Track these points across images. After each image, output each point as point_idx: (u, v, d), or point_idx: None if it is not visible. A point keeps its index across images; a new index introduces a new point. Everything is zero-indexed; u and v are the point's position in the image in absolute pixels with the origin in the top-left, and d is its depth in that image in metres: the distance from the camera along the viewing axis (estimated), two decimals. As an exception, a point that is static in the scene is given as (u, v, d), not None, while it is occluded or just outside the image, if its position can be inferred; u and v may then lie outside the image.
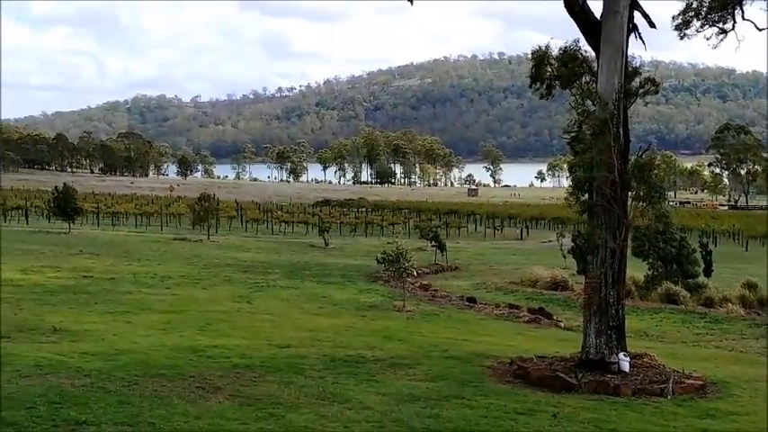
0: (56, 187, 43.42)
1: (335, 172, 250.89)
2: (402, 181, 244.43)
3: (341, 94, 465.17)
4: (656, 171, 12.61)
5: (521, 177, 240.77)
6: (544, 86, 13.42)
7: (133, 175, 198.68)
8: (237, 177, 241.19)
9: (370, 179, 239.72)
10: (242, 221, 59.74)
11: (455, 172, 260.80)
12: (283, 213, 63.08)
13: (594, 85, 12.64)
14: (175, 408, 9.33)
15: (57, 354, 11.96)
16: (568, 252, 27.63)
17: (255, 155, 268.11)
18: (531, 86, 13.62)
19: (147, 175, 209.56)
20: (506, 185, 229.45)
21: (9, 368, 10.77)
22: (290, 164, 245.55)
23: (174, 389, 10.23)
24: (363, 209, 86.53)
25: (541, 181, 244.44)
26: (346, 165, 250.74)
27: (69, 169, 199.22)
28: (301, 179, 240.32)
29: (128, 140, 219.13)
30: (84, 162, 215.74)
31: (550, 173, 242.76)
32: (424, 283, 26.86)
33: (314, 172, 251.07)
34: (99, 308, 17.72)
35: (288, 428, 8.82)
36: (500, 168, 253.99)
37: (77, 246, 33.89)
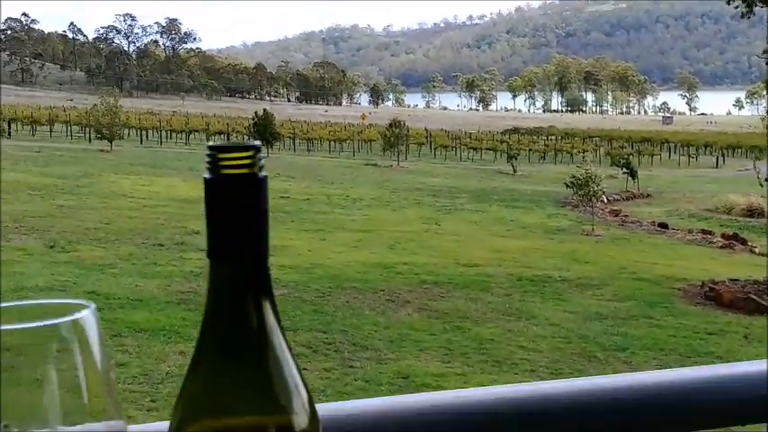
0: (256, 113, 45.03)
1: (525, 100, 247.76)
2: (593, 109, 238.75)
3: (532, 21, 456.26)
4: None
5: (717, 105, 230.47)
6: (744, 3, 12.81)
7: (327, 104, 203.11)
8: (427, 106, 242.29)
9: (560, 107, 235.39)
10: (431, 148, 60.18)
11: (649, 100, 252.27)
12: (472, 140, 63.03)
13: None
14: (366, 318, 9.70)
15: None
16: (766, 180, 26.37)
17: (445, 84, 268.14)
18: (728, 3, 13.01)
19: (340, 104, 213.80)
20: (702, 113, 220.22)
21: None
22: (479, 92, 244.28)
23: (364, 300, 10.62)
24: (553, 137, 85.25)
25: (739, 109, 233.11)
26: (536, 93, 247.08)
27: (268, 98, 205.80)
28: (490, 108, 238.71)
29: (322, 70, 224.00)
30: (282, 91, 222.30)
31: (749, 101, 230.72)
32: (615, 209, 26.38)
33: (503, 101, 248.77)
34: (295, 226, 18.44)
35: (474, 340, 9.03)
36: (696, 96, 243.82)
37: (276, 169, 35.21)
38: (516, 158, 44.54)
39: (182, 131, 56.47)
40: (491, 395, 0.95)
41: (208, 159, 0.59)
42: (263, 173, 0.60)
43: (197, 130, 56.40)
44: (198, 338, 0.61)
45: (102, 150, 36.33)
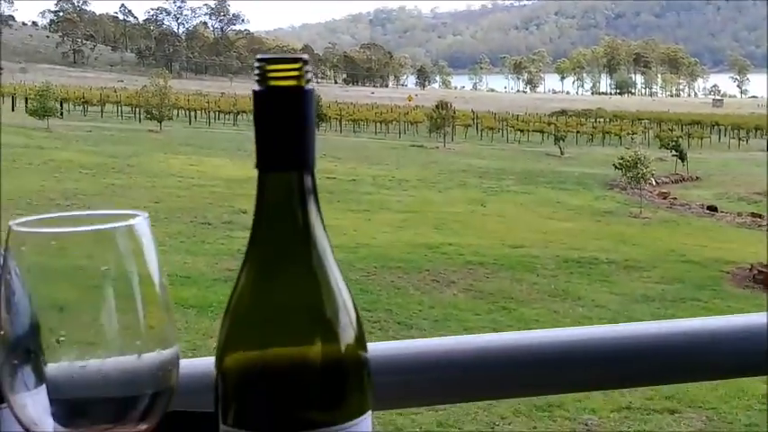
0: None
1: (573, 82, 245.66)
2: (642, 91, 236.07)
3: (581, 3, 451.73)
4: None
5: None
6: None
7: (374, 86, 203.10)
8: (474, 88, 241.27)
9: (608, 89, 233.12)
10: (477, 130, 59.96)
11: (699, 82, 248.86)
12: (519, 122, 62.66)
13: None
14: (411, 297, 9.74)
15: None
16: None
17: (492, 65, 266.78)
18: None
19: (386, 86, 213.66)
20: (753, 96, 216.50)
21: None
22: (526, 74, 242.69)
23: (409, 280, 10.66)
24: (601, 119, 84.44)
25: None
26: (585, 75, 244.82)
27: (315, 79, 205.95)
28: (538, 90, 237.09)
29: (369, 51, 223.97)
30: (329, 73, 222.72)
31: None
32: (663, 191, 26.12)
33: (551, 82, 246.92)
34: (340, 206, 18.50)
35: (519, 321, 9.03)
36: (747, 79, 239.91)
37: (322, 150, 35.23)
38: (563, 140, 44.25)
39: (229, 112, 56.84)
40: (513, 340, 0.96)
41: (257, 72, 0.61)
42: (310, 86, 0.62)
43: (245, 112, 56.71)
44: (247, 248, 0.63)
45: (151, 131, 36.70)
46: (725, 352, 0.99)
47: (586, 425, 7.38)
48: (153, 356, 0.63)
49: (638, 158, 20.47)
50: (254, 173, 0.63)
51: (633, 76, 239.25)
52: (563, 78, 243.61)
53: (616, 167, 21.69)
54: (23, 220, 0.61)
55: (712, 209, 22.42)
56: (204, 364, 1.12)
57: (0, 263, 0.62)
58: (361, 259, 11.81)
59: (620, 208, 21.67)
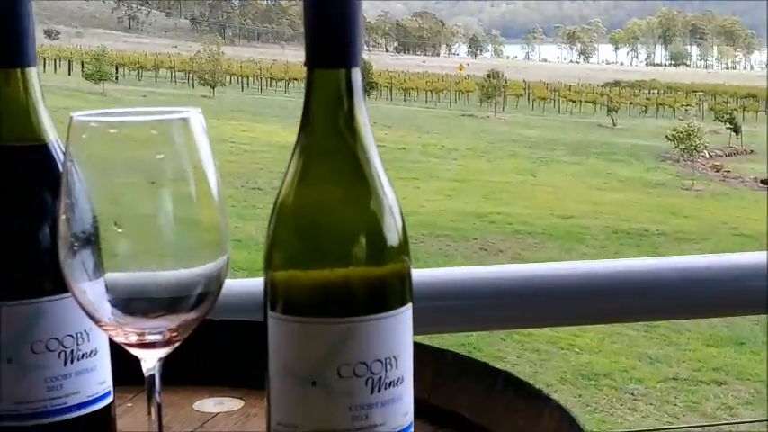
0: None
1: (627, 53, 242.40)
2: (698, 63, 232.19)
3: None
4: None
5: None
6: None
7: (425, 55, 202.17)
8: (526, 58, 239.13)
9: (663, 61, 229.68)
10: (529, 100, 59.48)
11: (755, 55, 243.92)
12: (571, 93, 62.08)
13: None
14: (459, 265, 9.75)
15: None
16: None
17: (545, 35, 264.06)
18: None
19: (438, 55, 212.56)
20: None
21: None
22: (580, 45, 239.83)
23: (457, 248, 10.69)
24: (655, 90, 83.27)
25: None
26: (639, 46, 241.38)
27: (366, 47, 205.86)
28: (591, 60, 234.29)
29: (421, 20, 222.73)
30: (380, 41, 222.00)
31: None
32: (716, 164, 25.77)
33: (605, 53, 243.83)
34: (390, 174, 18.37)
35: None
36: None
37: (372, 118, 34.38)
38: (616, 112, 43.79)
39: (281, 80, 57.00)
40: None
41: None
42: None
43: (296, 79, 56.85)
44: (294, 146, 0.68)
45: (204, 96, 36.97)
46: (724, 289, 1.01)
47: (632, 394, 7.37)
48: (205, 249, 0.67)
49: (692, 130, 20.24)
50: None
51: (688, 47, 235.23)
52: (617, 49, 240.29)
53: (669, 139, 21.45)
54: (84, 112, 0.65)
55: (766, 182, 22.09)
56: (251, 283, 1.18)
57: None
58: (410, 227, 11.42)
59: (672, 180, 21.43)
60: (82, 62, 43.22)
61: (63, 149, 0.73)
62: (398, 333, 0.67)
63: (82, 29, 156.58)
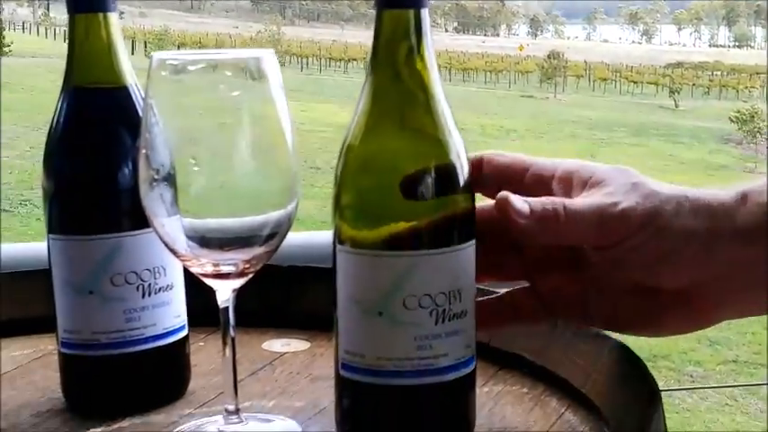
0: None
1: (690, 34, 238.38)
2: (762, 45, 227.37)
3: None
4: None
5: None
6: None
7: (485, 35, 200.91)
8: (588, 38, 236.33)
9: (727, 42, 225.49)
10: (589, 81, 58.83)
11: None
12: (633, 74, 61.30)
13: None
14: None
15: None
16: None
17: (607, 15, 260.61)
18: None
19: (498, 35, 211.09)
20: None
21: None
22: (642, 25, 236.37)
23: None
24: (718, 72, 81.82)
25: None
26: (702, 26, 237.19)
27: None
28: (653, 41, 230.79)
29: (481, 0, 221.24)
30: (440, 21, 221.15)
31: None
32: (782, 147, 25.31)
33: (667, 33, 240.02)
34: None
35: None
36: None
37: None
38: (678, 93, 43.19)
39: (340, 60, 57.11)
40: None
41: None
42: None
43: (355, 59, 56.94)
44: (362, 86, 0.70)
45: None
46: None
47: (691, 376, 7.32)
48: (277, 190, 0.71)
49: (755, 112, 19.92)
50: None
51: (753, 29, 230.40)
52: (680, 30, 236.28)
53: (732, 121, 21.10)
54: (164, 52, 0.68)
55: (832, 165, 21.67)
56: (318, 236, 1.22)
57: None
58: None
59: (734, 162, 21.09)
60: (145, 42, 43.76)
61: (141, 92, 0.77)
62: (462, 267, 0.69)
63: (146, 9, 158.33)
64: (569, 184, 0.72)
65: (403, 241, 0.67)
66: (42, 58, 35.99)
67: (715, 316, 0.71)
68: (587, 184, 0.71)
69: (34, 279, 0.97)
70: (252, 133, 0.69)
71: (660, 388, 0.71)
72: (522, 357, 0.86)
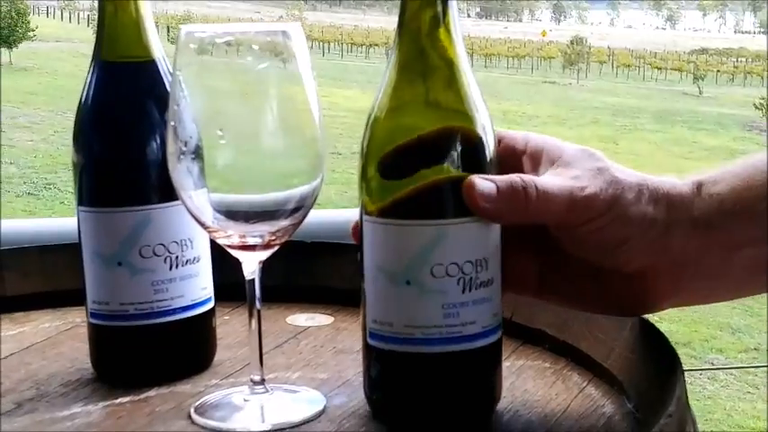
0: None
1: (715, 20, 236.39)
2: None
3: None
4: None
5: None
6: None
7: (507, 20, 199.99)
8: (611, 24, 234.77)
9: (752, 28, 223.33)
10: (612, 67, 58.50)
11: None
12: (656, 60, 60.89)
13: None
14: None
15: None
16: None
17: (631, 0, 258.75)
18: None
19: (520, 20, 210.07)
20: None
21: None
22: (666, 11, 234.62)
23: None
24: (743, 58, 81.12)
25: None
26: (727, 12, 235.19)
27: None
28: (677, 27, 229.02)
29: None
30: (462, 6, 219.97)
31: None
32: (807, 134, 25.11)
33: (692, 19, 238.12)
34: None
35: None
36: None
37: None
38: (703, 80, 42.88)
39: (362, 45, 57.06)
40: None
41: None
42: None
43: (377, 44, 56.85)
44: (388, 58, 0.71)
45: (285, 61, 37.22)
46: None
47: (712, 364, 7.30)
48: (303, 164, 0.72)
49: (781, 98, 19.72)
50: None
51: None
52: (705, 15, 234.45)
53: (756, 108, 20.94)
54: (192, 25, 0.70)
55: None
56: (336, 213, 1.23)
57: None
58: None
59: (758, 150, 20.77)
60: (168, 26, 43.88)
61: (169, 66, 0.78)
62: (488, 237, 0.70)
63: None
64: (539, 160, 0.74)
65: (430, 210, 0.68)
66: (66, 43, 36.17)
67: (668, 301, 0.75)
68: (554, 163, 0.73)
69: (62, 253, 0.99)
70: (279, 107, 0.70)
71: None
72: (544, 332, 0.87)
